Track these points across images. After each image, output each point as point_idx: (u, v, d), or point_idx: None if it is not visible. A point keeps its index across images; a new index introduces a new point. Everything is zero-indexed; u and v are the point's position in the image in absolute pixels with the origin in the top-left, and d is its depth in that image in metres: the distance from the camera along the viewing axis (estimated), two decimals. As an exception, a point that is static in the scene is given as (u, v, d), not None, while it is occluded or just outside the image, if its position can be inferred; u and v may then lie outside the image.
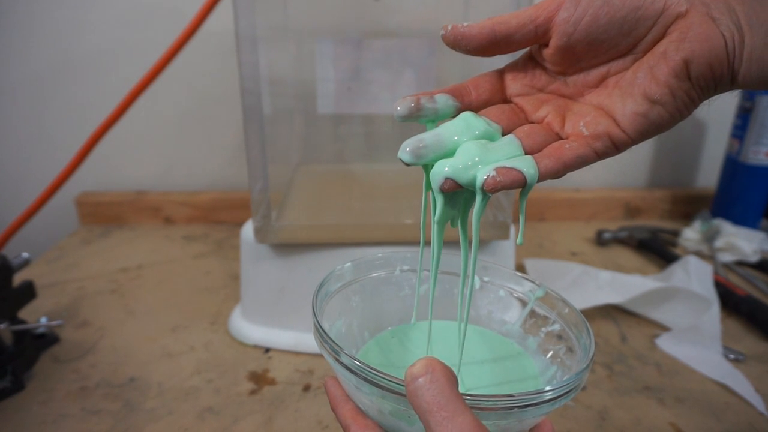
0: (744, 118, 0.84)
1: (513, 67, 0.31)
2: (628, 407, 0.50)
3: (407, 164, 0.27)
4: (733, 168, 0.87)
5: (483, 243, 0.58)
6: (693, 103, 0.26)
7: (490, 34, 0.28)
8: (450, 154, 0.27)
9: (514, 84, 0.31)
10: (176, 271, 0.75)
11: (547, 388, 0.26)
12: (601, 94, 0.28)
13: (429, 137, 0.27)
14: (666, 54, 0.26)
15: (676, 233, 0.87)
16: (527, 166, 0.26)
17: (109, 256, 0.79)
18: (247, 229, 0.58)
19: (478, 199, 0.27)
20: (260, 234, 0.56)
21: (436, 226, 0.30)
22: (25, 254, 0.56)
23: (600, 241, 0.86)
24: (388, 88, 0.66)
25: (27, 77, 0.85)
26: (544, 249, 0.84)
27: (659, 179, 1.01)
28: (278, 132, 0.69)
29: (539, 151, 0.28)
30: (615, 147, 0.27)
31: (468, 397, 0.24)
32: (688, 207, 0.97)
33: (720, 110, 0.96)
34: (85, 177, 0.86)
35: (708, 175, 1.02)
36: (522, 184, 0.26)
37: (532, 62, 0.30)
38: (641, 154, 1.00)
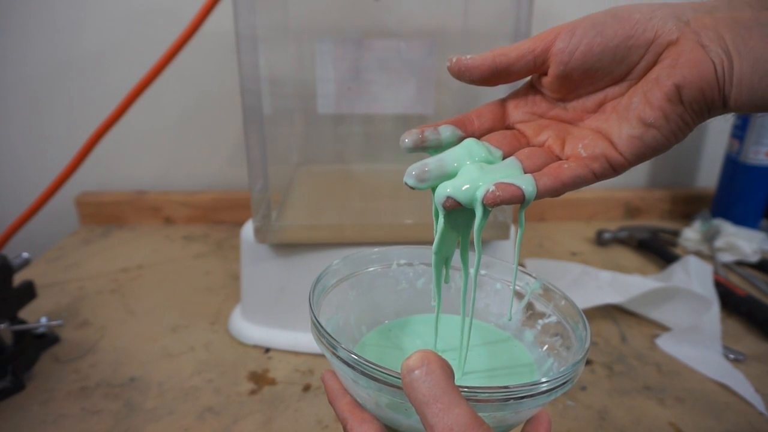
0: (744, 119, 0.84)
1: (514, 95, 0.32)
2: (628, 407, 0.50)
3: (412, 188, 0.29)
4: (733, 168, 0.87)
5: (483, 243, 0.58)
6: (687, 126, 0.27)
7: (491, 66, 0.29)
8: (452, 177, 0.29)
9: (515, 111, 0.32)
10: (176, 271, 0.75)
11: (543, 380, 0.26)
12: (599, 118, 0.30)
13: (432, 162, 0.29)
14: (658, 80, 0.27)
15: (676, 233, 0.87)
16: (526, 183, 0.28)
17: (109, 256, 0.79)
18: (247, 229, 0.58)
19: (479, 214, 0.28)
20: (260, 234, 0.56)
21: (434, 257, 0.32)
22: (25, 254, 0.56)
23: (600, 241, 0.86)
24: (388, 88, 0.66)
25: (27, 77, 0.85)
26: (544, 249, 0.84)
27: (659, 179, 1.01)
28: (278, 132, 0.69)
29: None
30: (612, 168, 0.28)
31: (465, 389, 0.24)
32: (688, 207, 0.97)
33: (720, 110, 0.96)
34: (85, 177, 0.86)
35: (708, 175, 1.02)
36: (521, 200, 0.28)
37: (532, 90, 0.32)
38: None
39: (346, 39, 0.65)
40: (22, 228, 0.65)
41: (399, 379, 0.24)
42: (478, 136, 0.31)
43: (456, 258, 0.38)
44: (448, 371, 0.24)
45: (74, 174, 0.66)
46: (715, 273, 0.70)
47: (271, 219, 0.56)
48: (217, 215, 0.91)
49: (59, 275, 0.74)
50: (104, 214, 0.90)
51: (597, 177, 0.28)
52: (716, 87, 0.26)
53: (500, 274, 0.39)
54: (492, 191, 0.27)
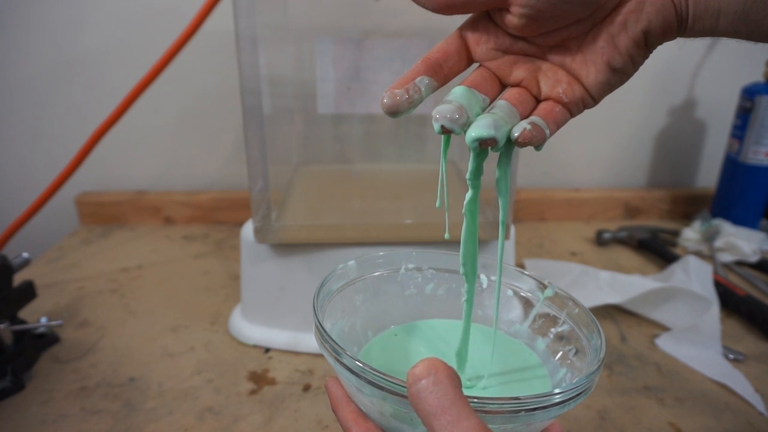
0: (744, 118, 0.84)
1: (473, 28, 0.31)
2: (628, 407, 0.50)
3: (448, 131, 0.28)
4: (733, 168, 0.87)
5: (482, 243, 0.58)
6: (643, 61, 0.29)
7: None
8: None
9: (479, 48, 0.31)
10: (176, 271, 0.75)
11: (556, 391, 0.25)
12: (564, 54, 0.30)
13: (460, 108, 0.28)
14: (626, 25, 0.28)
15: (676, 233, 0.87)
16: (546, 126, 0.29)
17: (109, 256, 0.79)
18: (247, 229, 0.58)
19: (507, 153, 0.29)
20: (260, 234, 0.56)
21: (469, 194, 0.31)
22: (25, 254, 0.56)
23: (600, 241, 0.86)
24: (388, 88, 0.66)
25: (26, 77, 0.85)
26: (544, 249, 0.84)
27: (659, 179, 1.01)
28: (278, 132, 0.69)
29: (528, 115, 0.30)
30: (584, 107, 0.30)
31: (475, 400, 0.23)
32: (688, 207, 0.97)
33: (720, 110, 0.96)
34: (85, 177, 0.86)
35: (708, 175, 1.02)
36: (542, 141, 0.28)
37: (492, 23, 0.31)
38: (641, 154, 1.00)
39: (346, 39, 0.65)
40: (22, 228, 0.65)
41: (405, 387, 0.23)
42: (449, 81, 0.31)
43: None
44: (456, 381, 0.23)
45: (74, 174, 0.66)
46: (715, 273, 0.70)
47: (271, 219, 0.56)
48: (217, 215, 0.91)
49: (59, 275, 0.74)
50: (104, 214, 0.90)
51: (573, 117, 0.31)
52: (675, 27, 0.27)
53: (510, 280, 0.38)
54: (529, 130, 0.27)
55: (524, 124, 0.27)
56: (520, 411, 0.24)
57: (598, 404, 0.51)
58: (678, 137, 0.99)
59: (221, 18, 0.62)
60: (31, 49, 0.83)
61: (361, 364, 0.25)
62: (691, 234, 0.84)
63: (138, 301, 0.67)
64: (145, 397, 0.50)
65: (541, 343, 0.35)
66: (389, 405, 0.26)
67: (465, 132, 0.28)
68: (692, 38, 0.28)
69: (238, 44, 0.50)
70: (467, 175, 0.30)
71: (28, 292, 0.57)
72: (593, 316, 0.32)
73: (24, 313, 0.59)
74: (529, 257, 0.79)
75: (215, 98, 0.87)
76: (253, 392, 0.52)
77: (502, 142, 0.27)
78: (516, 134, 0.27)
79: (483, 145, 0.27)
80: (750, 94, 0.83)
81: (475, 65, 0.32)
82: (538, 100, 0.31)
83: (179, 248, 0.82)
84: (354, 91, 0.67)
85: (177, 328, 0.62)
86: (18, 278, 0.56)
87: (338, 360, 0.27)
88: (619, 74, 0.29)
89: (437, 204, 0.32)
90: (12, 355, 0.51)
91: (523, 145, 0.27)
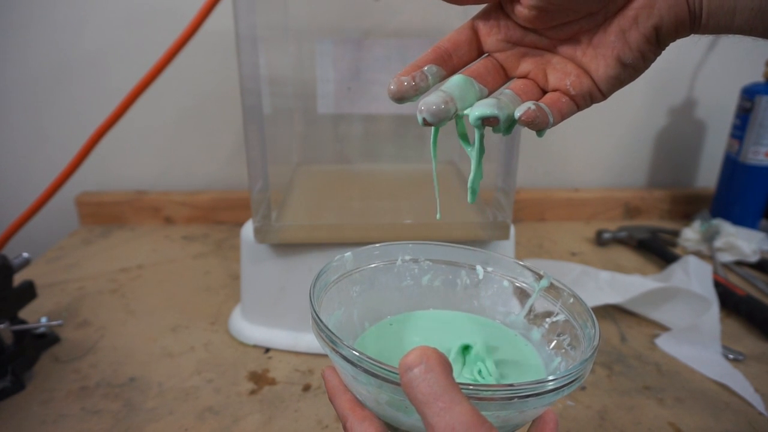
0: (743, 119, 0.84)
1: (484, 19, 0.31)
2: (627, 407, 0.50)
3: (429, 124, 0.28)
4: (733, 168, 0.87)
5: (483, 243, 0.58)
6: (656, 57, 0.29)
7: None
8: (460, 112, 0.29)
9: (489, 39, 0.31)
10: (176, 271, 0.75)
11: (550, 378, 0.25)
12: (576, 48, 0.30)
13: (449, 100, 0.28)
14: (637, 20, 0.27)
15: (675, 233, 0.87)
16: (550, 113, 0.29)
17: (109, 256, 0.79)
18: (247, 229, 0.58)
19: (506, 128, 0.29)
20: (260, 234, 0.56)
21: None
22: (25, 254, 0.57)
23: (600, 241, 0.86)
24: (388, 88, 0.66)
25: (26, 77, 0.85)
26: (544, 249, 0.84)
27: (659, 179, 1.02)
28: (278, 132, 0.69)
29: None
30: (591, 102, 0.30)
31: (469, 387, 0.24)
32: (687, 207, 0.97)
33: (720, 110, 0.96)
34: (85, 177, 0.86)
35: (708, 175, 1.02)
36: (545, 126, 0.28)
37: (503, 14, 0.31)
38: (641, 155, 1.00)
39: (346, 39, 0.65)
40: (22, 228, 0.65)
41: (399, 375, 0.24)
42: (458, 70, 0.31)
43: (457, 253, 0.38)
44: (448, 367, 0.23)
45: (74, 174, 0.66)
46: (715, 273, 0.70)
47: (271, 219, 0.56)
48: (217, 215, 0.91)
49: (59, 275, 0.74)
50: (104, 214, 0.90)
51: (580, 109, 0.30)
52: (688, 23, 0.27)
53: (506, 271, 0.38)
54: (533, 110, 0.27)
55: (529, 104, 0.27)
56: (513, 398, 0.24)
57: (598, 404, 0.51)
58: (678, 137, 0.99)
59: (221, 18, 0.62)
60: (31, 49, 0.83)
61: (356, 353, 0.26)
62: (690, 234, 0.84)
63: (138, 301, 0.68)
64: (145, 397, 0.50)
65: (537, 333, 0.36)
66: (384, 393, 0.26)
67: (468, 113, 0.28)
68: (705, 35, 0.28)
69: (238, 44, 0.50)
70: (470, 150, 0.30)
71: (28, 292, 0.57)
72: (588, 306, 0.32)
73: (24, 313, 0.59)
74: (529, 257, 0.79)
75: (215, 98, 0.87)
76: (253, 392, 0.52)
77: (504, 125, 0.28)
78: (519, 113, 0.27)
79: (486, 123, 0.28)
80: (750, 94, 0.83)
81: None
82: (544, 92, 0.31)
83: (179, 248, 0.82)
84: (354, 91, 0.67)
85: (177, 328, 0.62)
86: (18, 278, 0.56)
87: (334, 349, 0.27)
88: (629, 70, 0.29)
89: (437, 216, 0.33)
90: (12, 355, 0.51)
91: (526, 123, 0.27)
